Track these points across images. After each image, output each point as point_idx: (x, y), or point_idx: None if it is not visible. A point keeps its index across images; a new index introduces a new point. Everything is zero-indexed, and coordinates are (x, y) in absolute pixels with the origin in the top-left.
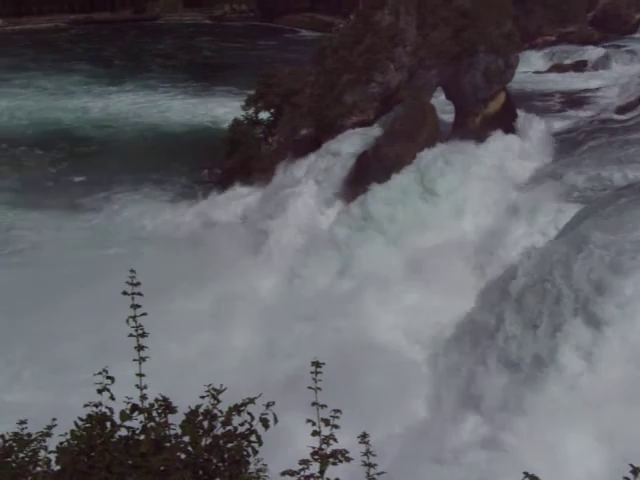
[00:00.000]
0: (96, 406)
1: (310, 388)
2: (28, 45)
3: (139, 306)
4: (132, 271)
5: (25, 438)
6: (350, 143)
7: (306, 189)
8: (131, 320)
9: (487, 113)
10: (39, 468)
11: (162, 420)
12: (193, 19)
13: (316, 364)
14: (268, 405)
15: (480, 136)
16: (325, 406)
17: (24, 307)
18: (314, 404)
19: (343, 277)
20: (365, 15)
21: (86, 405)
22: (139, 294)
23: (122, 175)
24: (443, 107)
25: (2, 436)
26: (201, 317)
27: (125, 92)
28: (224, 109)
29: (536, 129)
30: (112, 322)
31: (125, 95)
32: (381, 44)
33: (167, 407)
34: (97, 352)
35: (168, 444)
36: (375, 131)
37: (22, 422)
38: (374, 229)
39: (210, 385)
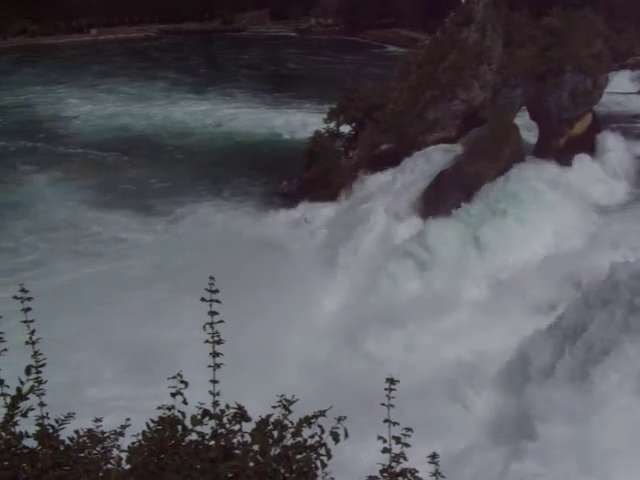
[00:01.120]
0: (169, 409)
1: (383, 405)
2: (119, 53)
3: (216, 313)
4: (211, 278)
5: (99, 435)
6: (430, 160)
7: (384, 204)
8: (208, 327)
9: (572, 134)
10: (110, 466)
11: (232, 427)
12: (279, 31)
13: (390, 380)
14: (339, 419)
15: (564, 157)
16: (397, 424)
17: (90, 304)
18: (386, 421)
19: (418, 294)
20: (451, 31)
21: (159, 407)
22: (217, 301)
23: (199, 182)
24: (527, 127)
25: (77, 431)
26: (274, 327)
27: (207, 100)
28: (305, 121)
29: (622, 152)
30: (184, 325)
31: (206, 103)
32: (466, 61)
33: (241, 415)
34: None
35: (237, 451)
36: (456, 149)
37: (97, 420)
38: (451, 249)
39: (282, 395)
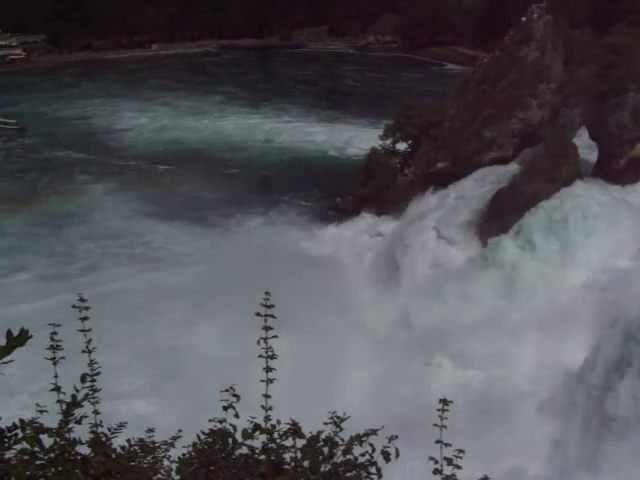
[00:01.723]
0: (220, 422)
1: (435, 425)
2: (178, 68)
3: (271, 328)
4: (267, 293)
5: (150, 445)
6: (486, 179)
7: (439, 222)
8: (262, 341)
9: (633, 155)
10: (160, 476)
11: (283, 442)
12: (337, 48)
13: (443, 401)
14: (391, 438)
15: (624, 178)
16: (449, 445)
17: (134, 310)
18: (438, 442)
19: (471, 313)
20: (510, 49)
21: (210, 420)
22: (272, 316)
23: (250, 196)
24: (586, 146)
25: (128, 440)
26: (328, 344)
27: (262, 115)
28: (360, 138)
29: None
30: (221, 338)
31: (261, 118)
32: (525, 80)
33: (294, 431)
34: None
35: (287, 467)
36: (513, 168)
37: (150, 430)
38: (506, 268)
39: (334, 412)
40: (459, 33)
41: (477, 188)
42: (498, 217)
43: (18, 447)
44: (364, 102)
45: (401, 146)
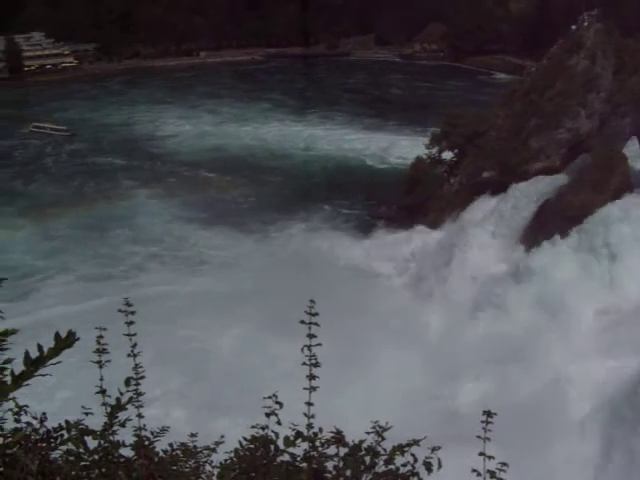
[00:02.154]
0: (262, 429)
1: (479, 437)
2: (225, 75)
3: (315, 336)
4: (311, 301)
5: (192, 450)
6: (533, 189)
7: (484, 233)
8: (305, 349)
9: None
10: None
11: (325, 450)
12: (384, 56)
13: (487, 413)
14: (434, 449)
15: None
16: (493, 458)
17: (171, 314)
18: (481, 454)
19: (516, 326)
20: (559, 58)
21: (252, 427)
22: (316, 324)
23: (293, 203)
24: (636, 157)
25: (171, 444)
26: (370, 355)
27: (306, 122)
28: (405, 146)
29: None
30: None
31: (305, 125)
32: (573, 89)
33: (338, 440)
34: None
35: (329, 475)
36: (560, 179)
37: (193, 435)
38: (551, 282)
39: (376, 422)
40: (506, 42)
41: (523, 198)
42: (544, 228)
43: (64, 448)
44: (409, 111)
45: (447, 155)
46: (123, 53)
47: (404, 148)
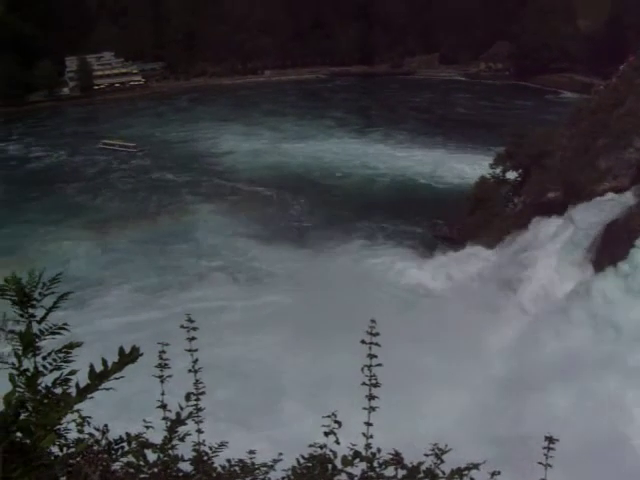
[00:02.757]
0: (321, 447)
1: (540, 464)
2: (290, 93)
3: (375, 356)
4: (372, 321)
5: (250, 467)
6: (600, 210)
7: (548, 253)
8: (366, 369)
9: None
10: None
11: (383, 471)
12: (448, 75)
13: (549, 439)
14: (493, 474)
15: None
16: None
17: (221, 330)
18: None
19: (581, 345)
20: (629, 76)
21: (310, 445)
22: (376, 344)
23: (352, 220)
24: None
25: (229, 460)
26: (435, 376)
27: (369, 140)
28: (469, 166)
29: None
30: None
31: (369, 143)
32: None
33: (397, 461)
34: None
35: None
36: (629, 199)
37: (251, 452)
38: (615, 304)
39: (435, 444)
40: (574, 59)
41: (590, 219)
42: (610, 249)
43: (124, 460)
44: (474, 130)
45: (511, 175)
46: (190, 71)
47: (468, 167)
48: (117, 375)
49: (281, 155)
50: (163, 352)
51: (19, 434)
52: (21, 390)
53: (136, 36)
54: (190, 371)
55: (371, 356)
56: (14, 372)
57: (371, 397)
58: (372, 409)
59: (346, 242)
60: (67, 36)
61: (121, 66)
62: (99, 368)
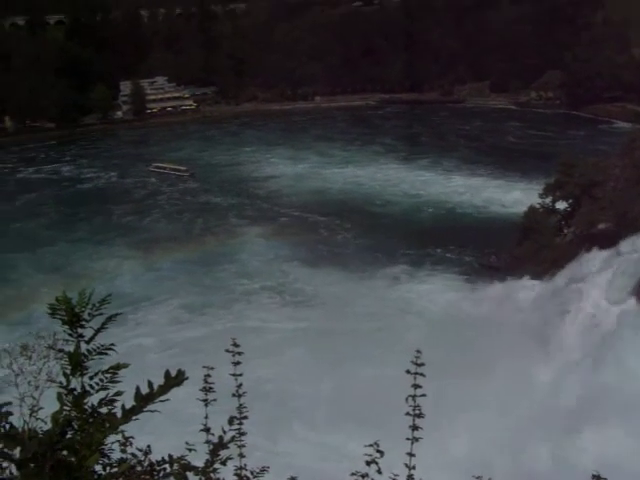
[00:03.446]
0: (362, 476)
1: None
2: (339, 119)
3: (420, 387)
4: (418, 351)
5: None
6: None
7: (599, 285)
8: (410, 399)
9: None
10: None
11: None
12: (499, 104)
13: (597, 478)
14: None
15: None
16: None
17: (250, 355)
18: None
19: (633, 379)
20: None
21: (352, 474)
22: (422, 374)
23: (400, 247)
24: None
25: None
26: (483, 402)
27: (417, 167)
28: (519, 195)
29: None
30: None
31: (417, 169)
32: None
33: None
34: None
35: None
36: None
37: (292, 478)
38: None
39: (479, 477)
40: (627, 89)
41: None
42: None
43: None
44: (525, 159)
45: (561, 205)
46: (240, 96)
47: (517, 197)
48: (162, 397)
49: (326, 180)
50: (208, 376)
51: (65, 452)
52: (68, 409)
53: (188, 62)
54: (234, 395)
55: (415, 386)
56: (62, 391)
57: (414, 428)
58: (415, 440)
59: (392, 267)
60: (122, 61)
61: (173, 90)
62: (145, 390)
